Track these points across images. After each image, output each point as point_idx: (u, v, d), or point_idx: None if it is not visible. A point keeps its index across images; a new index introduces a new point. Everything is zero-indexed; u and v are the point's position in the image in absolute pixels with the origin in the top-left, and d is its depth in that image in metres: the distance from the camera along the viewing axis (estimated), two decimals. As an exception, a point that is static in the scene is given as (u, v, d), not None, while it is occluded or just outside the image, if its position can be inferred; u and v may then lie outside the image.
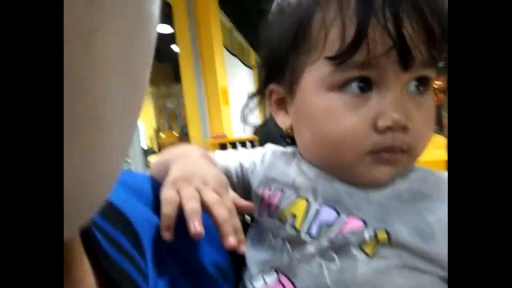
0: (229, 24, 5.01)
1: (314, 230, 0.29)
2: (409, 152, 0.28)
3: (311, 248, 0.29)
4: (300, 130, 0.33)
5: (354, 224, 0.28)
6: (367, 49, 0.25)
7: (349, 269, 0.27)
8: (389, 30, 0.24)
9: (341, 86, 0.28)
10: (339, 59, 0.26)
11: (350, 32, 0.25)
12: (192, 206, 0.27)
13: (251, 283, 0.31)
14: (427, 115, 0.29)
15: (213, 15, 3.80)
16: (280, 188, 0.33)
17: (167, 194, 0.29)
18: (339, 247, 0.28)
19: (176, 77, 5.77)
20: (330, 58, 0.27)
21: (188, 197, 0.28)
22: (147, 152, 5.07)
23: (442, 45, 0.26)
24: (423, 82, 0.28)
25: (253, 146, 3.40)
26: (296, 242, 0.30)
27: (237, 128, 3.90)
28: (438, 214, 0.27)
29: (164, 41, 4.46)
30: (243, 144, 3.54)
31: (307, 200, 0.30)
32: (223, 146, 3.49)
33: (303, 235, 0.29)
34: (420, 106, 0.28)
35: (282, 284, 0.29)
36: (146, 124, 6.70)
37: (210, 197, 0.28)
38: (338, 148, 0.29)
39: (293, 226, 0.30)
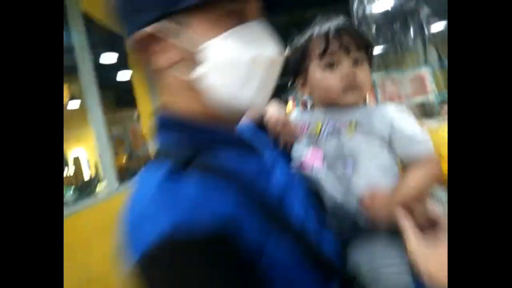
0: None
1: (328, 130, 0.62)
2: (360, 88, 0.61)
3: (328, 136, 0.62)
4: (314, 92, 0.66)
5: (342, 123, 0.61)
6: (331, 49, 0.60)
7: (344, 141, 0.60)
8: (340, 41, 0.59)
9: (324, 68, 0.61)
10: (322, 58, 0.61)
11: (323, 47, 0.60)
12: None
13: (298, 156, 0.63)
14: (364, 72, 0.61)
15: None
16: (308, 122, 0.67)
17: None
18: (337, 131, 0.60)
19: (118, 104, 6.11)
20: (319, 56, 0.61)
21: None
22: (92, 182, 5.00)
23: (363, 45, 0.61)
24: (357, 60, 0.61)
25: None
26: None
27: None
28: (380, 116, 0.60)
29: (108, 70, 4.60)
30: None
31: (320, 120, 0.64)
32: None
33: (322, 137, 0.62)
34: (359, 69, 0.61)
35: (315, 152, 0.61)
36: (88, 152, 6.46)
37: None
38: (331, 91, 0.61)
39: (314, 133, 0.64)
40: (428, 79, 3.01)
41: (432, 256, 0.39)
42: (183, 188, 0.36)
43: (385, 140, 0.58)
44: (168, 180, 0.37)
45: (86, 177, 5.92)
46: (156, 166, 0.40)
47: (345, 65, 0.60)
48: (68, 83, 3.88)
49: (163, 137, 0.45)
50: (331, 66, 0.60)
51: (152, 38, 0.39)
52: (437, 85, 3.06)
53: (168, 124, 0.45)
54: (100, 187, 3.20)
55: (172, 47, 0.40)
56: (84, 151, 6.40)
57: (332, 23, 0.61)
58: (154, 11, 0.38)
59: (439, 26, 2.67)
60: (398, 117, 0.59)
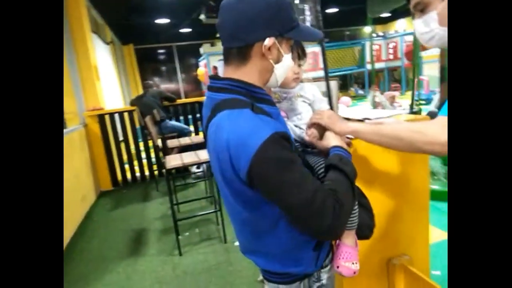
0: (87, 3, 5.31)
1: (283, 97, 1.07)
2: (299, 79, 1.05)
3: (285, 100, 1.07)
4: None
5: (290, 94, 1.07)
6: (293, 56, 0.94)
7: (294, 103, 1.07)
8: (298, 51, 1.04)
9: None
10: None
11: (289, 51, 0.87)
12: None
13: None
14: (302, 70, 1.06)
15: None
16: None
17: None
18: (289, 98, 1.07)
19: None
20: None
21: None
22: None
23: (304, 55, 1.06)
24: (299, 64, 1.05)
25: (130, 116, 4.34)
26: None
27: (108, 100, 4.94)
28: (308, 89, 1.11)
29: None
30: (121, 114, 4.28)
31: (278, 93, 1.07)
32: (101, 117, 4.09)
33: (281, 100, 1.07)
34: (300, 69, 1.05)
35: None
36: None
37: None
38: (286, 79, 0.99)
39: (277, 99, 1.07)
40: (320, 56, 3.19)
41: (326, 140, 0.93)
42: (262, 117, 0.73)
43: (310, 101, 1.10)
44: (255, 116, 0.72)
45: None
46: (237, 110, 0.73)
47: (296, 65, 1.02)
48: None
49: (225, 95, 0.78)
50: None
51: (273, 43, 0.77)
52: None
53: (236, 88, 0.78)
54: None
55: (274, 50, 0.79)
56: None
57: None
58: (276, 30, 0.77)
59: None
60: (315, 90, 1.11)
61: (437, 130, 0.76)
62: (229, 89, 0.78)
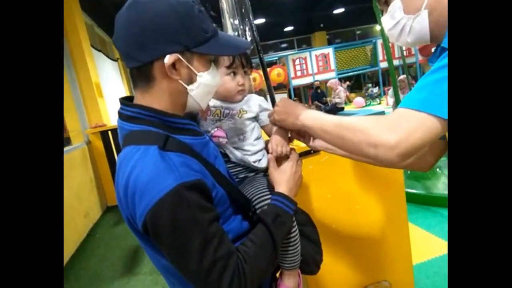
0: (89, 21, 5.44)
1: (225, 113, 0.91)
2: (245, 90, 0.93)
3: (227, 119, 0.91)
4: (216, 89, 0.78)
5: (234, 110, 0.91)
6: (235, 64, 0.89)
7: (237, 121, 0.91)
8: (240, 59, 0.90)
9: (227, 75, 0.89)
10: (227, 68, 0.89)
11: (230, 62, 0.89)
12: None
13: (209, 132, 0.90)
14: (248, 81, 0.93)
15: (77, 16, 4.23)
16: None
17: None
18: (231, 116, 0.91)
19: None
20: (226, 67, 0.89)
21: None
22: None
23: (249, 64, 0.93)
24: (246, 72, 0.93)
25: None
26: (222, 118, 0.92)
27: (114, 116, 4.79)
28: (253, 102, 0.95)
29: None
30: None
31: (219, 108, 0.92)
32: (104, 134, 4.11)
33: (223, 117, 0.91)
34: (246, 78, 0.93)
35: (219, 130, 0.90)
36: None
37: None
38: (230, 91, 0.90)
39: (217, 116, 0.92)
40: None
41: (278, 175, 0.80)
42: (172, 159, 0.59)
43: (256, 115, 0.95)
44: (161, 157, 0.58)
45: None
46: (143, 147, 0.60)
47: (240, 76, 0.91)
48: None
49: (135, 126, 0.65)
50: (231, 74, 0.90)
51: (176, 60, 0.63)
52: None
53: (145, 117, 0.65)
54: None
55: (183, 69, 0.65)
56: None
57: None
58: (180, 45, 0.63)
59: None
60: (262, 101, 0.97)
61: (384, 128, 0.60)
62: (139, 118, 0.64)
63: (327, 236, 1.22)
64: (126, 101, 0.68)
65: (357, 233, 1.27)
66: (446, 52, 0.58)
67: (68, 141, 4.18)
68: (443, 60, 0.57)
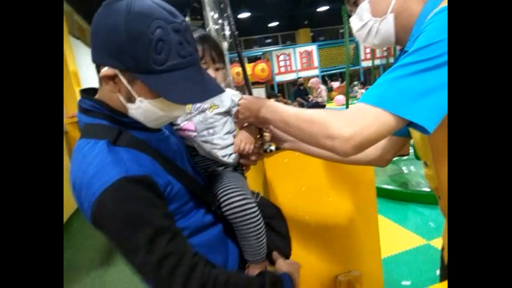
0: (68, 8, 5.30)
1: (195, 107, 0.89)
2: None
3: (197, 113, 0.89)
4: None
5: (205, 104, 0.89)
6: (205, 59, 0.86)
7: (207, 115, 0.89)
8: (210, 54, 0.86)
9: None
10: (200, 61, 0.76)
11: (201, 55, 0.83)
12: None
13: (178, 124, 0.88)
14: (220, 76, 0.88)
15: None
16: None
17: None
18: (202, 110, 0.89)
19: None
20: None
21: None
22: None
23: (223, 56, 0.90)
24: (218, 68, 0.88)
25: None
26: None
27: None
28: (226, 96, 0.92)
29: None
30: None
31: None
32: None
33: (193, 111, 0.89)
34: (218, 73, 0.88)
35: (189, 123, 0.88)
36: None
37: None
38: None
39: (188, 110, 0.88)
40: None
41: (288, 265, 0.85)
42: (120, 153, 0.60)
43: (229, 109, 0.92)
44: (109, 151, 0.59)
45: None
46: (93, 141, 0.61)
47: (211, 71, 0.88)
48: None
49: (90, 119, 0.65)
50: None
51: (115, 75, 0.61)
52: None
53: (99, 111, 0.65)
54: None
55: (122, 86, 0.62)
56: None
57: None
58: (121, 64, 0.59)
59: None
60: (235, 95, 0.94)
61: (341, 121, 0.63)
62: (94, 112, 0.65)
63: (300, 228, 1.27)
64: (85, 94, 0.68)
65: (329, 225, 1.33)
66: (407, 53, 0.62)
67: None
68: (403, 60, 0.61)
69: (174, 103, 0.61)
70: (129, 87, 0.61)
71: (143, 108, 0.63)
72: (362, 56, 10.96)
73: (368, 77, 11.39)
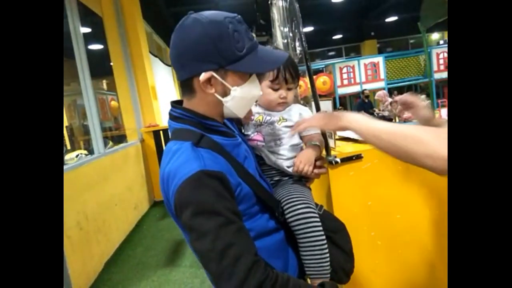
0: (149, 29, 5.96)
1: (265, 120, 1.00)
2: (287, 103, 1.01)
3: (267, 125, 1.00)
4: (260, 99, 0.95)
5: (274, 118, 1.00)
6: (278, 79, 0.97)
7: (275, 128, 0.99)
8: (284, 76, 0.96)
9: (270, 87, 0.98)
10: (271, 82, 0.98)
11: (274, 77, 0.97)
12: None
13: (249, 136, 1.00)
14: (291, 95, 1.01)
15: (139, 24, 4.65)
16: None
17: None
18: (271, 123, 1.00)
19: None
20: (270, 81, 0.98)
21: None
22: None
23: (296, 80, 1.00)
24: (290, 88, 1.00)
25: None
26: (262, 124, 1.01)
27: (165, 117, 5.04)
28: (294, 111, 1.02)
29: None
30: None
31: (262, 115, 1.01)
32: (156, 133, 4.46)
33: (263, 123, 1.00)
34: (289, 93, 1.00)
35: (258, 134, 0.99)
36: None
37: None
38: (272, 103, 1.00)
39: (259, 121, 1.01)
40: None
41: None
42: (201, 152, 0.69)
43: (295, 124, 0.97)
44: (192, 150, 0.69)
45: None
46: (180, 142, 0.72)
47: (283, 90, 0.99)
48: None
49: (178, 124, 0.77)
50: (274, 88, 0.98)
51: (211, 77, 0.72)
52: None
53: (186, 117, 0.76)
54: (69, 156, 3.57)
55: (217, 84, 0.73)
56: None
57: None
58: (214, 64, 0.71)
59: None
60: (303, 110, 1.03)
61: (441, 141, 0.61)
62: (182, 119, 0.76)
63: (365, 246, 1.23)
64: (175, 104, 0.80)
65: (397, 243, 1.26)
66: None
67: (124, 138, 4.56)
68: None
69: (254, 85, 0.77)
70: (223, 81, 0.72)
71: (237, 96, 0.74)
72: (435, 67, 10.21)
73: (442, 90, 10.54)
